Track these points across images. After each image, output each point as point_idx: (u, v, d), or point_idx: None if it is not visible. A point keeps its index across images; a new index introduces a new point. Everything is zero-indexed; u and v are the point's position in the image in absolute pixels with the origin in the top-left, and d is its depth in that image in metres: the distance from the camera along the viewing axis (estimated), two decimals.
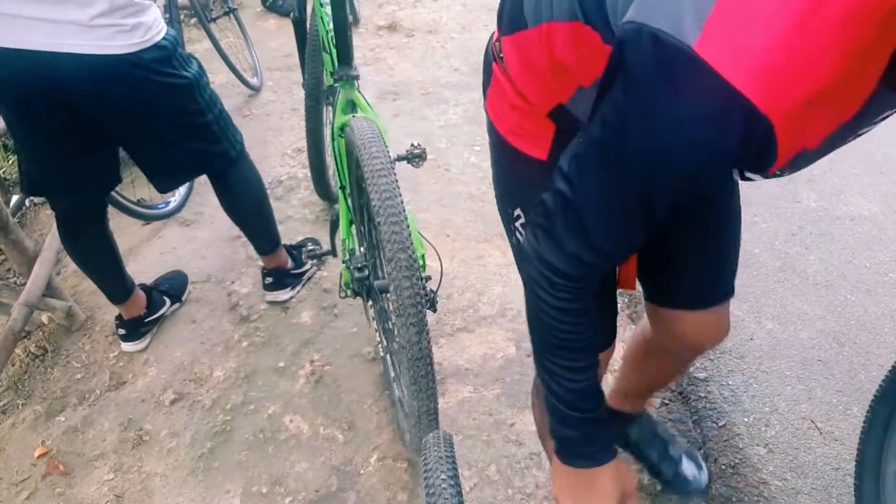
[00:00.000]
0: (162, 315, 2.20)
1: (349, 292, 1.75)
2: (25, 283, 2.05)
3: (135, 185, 2.72)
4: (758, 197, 2.72)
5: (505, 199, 1.15)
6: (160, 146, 1.73)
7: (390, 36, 4.35)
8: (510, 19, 0.94)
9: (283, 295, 2.26)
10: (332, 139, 1.74)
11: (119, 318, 2.11)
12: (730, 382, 1.98)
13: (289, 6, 4.48)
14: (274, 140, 3.19)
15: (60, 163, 1.68)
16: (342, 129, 1.60)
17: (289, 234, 2.56)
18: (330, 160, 2.25)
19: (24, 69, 1.43)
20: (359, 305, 2.14)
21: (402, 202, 1.34)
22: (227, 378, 2.03)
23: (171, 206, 2.61)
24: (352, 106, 1.73)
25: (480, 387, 1.96)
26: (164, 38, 1.56)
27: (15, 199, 2.71)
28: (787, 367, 2.01)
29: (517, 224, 1.10)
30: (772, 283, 2.30)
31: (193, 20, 4.10)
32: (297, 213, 2.68)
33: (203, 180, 2.82)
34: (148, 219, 2.58)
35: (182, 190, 2.69)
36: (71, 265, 2.50)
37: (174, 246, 2.54)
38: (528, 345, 2.08)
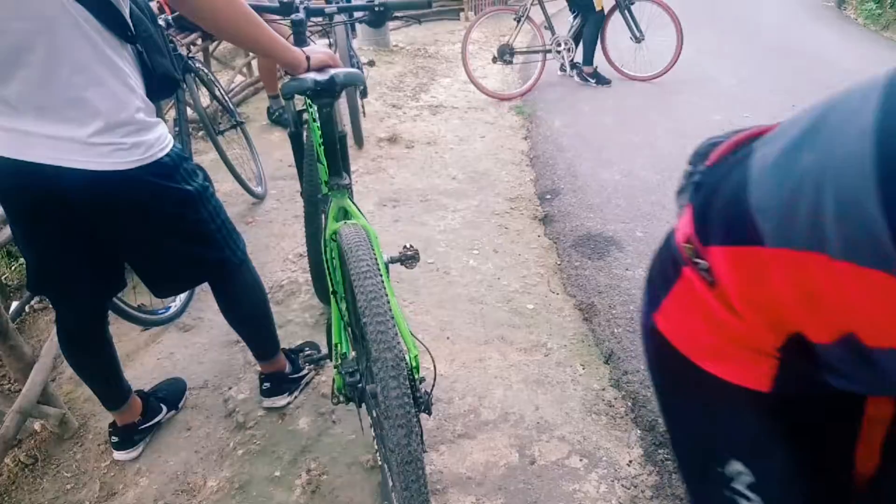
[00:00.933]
0: (157, 422, 2.15)
1: (342, 398, 1.71)
2: (20, 389, 2.02)
3: (136, 291, 2.75)
4: None
5: (705, 450, 0.86)
6: (159, 255, 1.74)
7: (391, 147, 4.53)
8: (727, 227, 0.76)
9: (280, 401, 2.22)
10: (325, 245, 1.76)
11: (113, 425, 2.06)
12: None
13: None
14: (276, 245, 3.25)
15: (64, 268, 1.70)
16: (334, 235, 1.63)
17: (289, 337, 2.55)
18: None
19: (30, 180, 1.47)
20: (354, 415, 2.11)
21: (389, 303, 1.35)
22: (221, 489, 1.96)
23: (172, 311, 2.62)
24: (343, 213, 1.77)
25: (483, 497, 1.90)
26: (166, 155, 1.58)
27: (15, 304, 2.72)
28: None
29: (738, 486, 0.80)
30: None
31: (202, 132, 4.28)
32: (297, 317, 2.69)
33: (203, 286, 2.85)
34: (148, 325, 2.58)
35: (183, 295, 2.71)
36: (67, 371, 2.48)
37: (172, 351, 2.53)
38: (530, 451, 2.04)
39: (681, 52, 5.95)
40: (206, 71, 3.47)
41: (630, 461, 2.01)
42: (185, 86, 3.14)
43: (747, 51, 7.36)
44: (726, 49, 7.46)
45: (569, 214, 3.59)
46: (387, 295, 1.37)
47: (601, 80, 5.99)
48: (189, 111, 3.35)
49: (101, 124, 1.44)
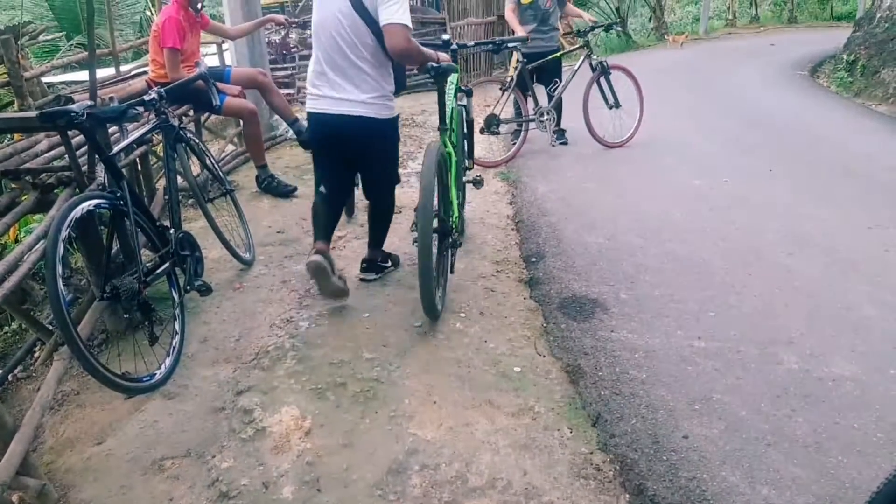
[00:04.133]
0: None
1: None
2: None
3: (121, 358, 2.74)
4: (738, 360, 2.77)
5: None
6: (375, 170, 3.28)
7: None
8: None
9: (370, 276, 3.53)
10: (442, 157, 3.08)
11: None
12: None
13: (282, 188, 4.77)
14: (263, 311, 3.25)
15: (332, 172, 3.24)
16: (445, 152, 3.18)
17: (273, 404, 2.53)
18: None
19: (333, 124, 3.01)
20: (341, 474, 2.09)
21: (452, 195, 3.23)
22: None
23: (157, 378, 2.60)
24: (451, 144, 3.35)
25: None
26: (396, 118, 3.15)
27: None
28: None
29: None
30: (762, 446, 2.27)
31: (192, 200, 4.34)
32: (282, 384, 2.67)
33: (189, 352, 2.85)
34: (132, 392, 2.55)
35: (168, 362, 2.69)
36: (49, 441, 2.45)
37: (156, 419, 2.49)
38: None
39: (642, 117, 6.23)
40: (196, 140, 3.55)
41: None
42: (175, 155, 3.20)
43: (725, 118, 7.62)
44: (705, 117, 7.73)
45: (554, 277, 3.64)
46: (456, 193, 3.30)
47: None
48: (179, 179, 3.41)
49: (375, 94, 2.98)
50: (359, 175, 3.52)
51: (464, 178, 3.92)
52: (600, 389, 2.64)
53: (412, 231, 3.51)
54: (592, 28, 6.19)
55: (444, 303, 3.21)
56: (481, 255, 3.94)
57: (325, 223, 3.25)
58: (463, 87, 3.87)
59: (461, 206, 3.75)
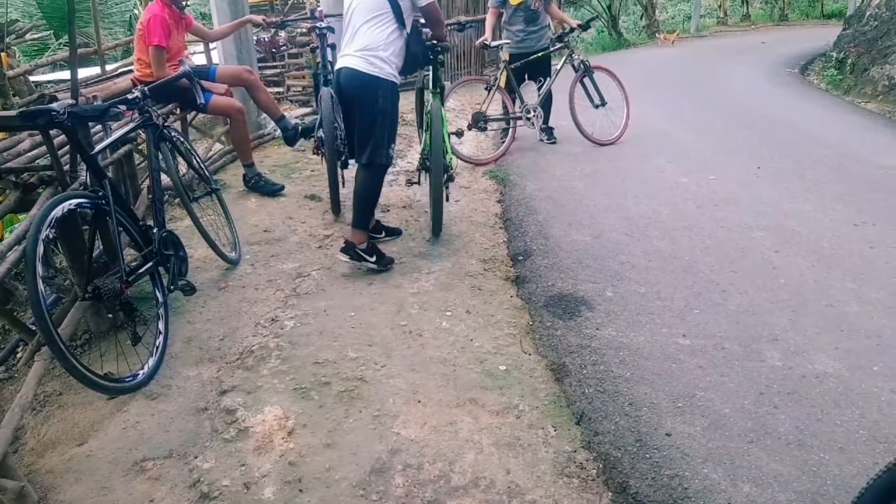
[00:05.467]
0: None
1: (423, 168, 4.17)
2: None
3: (102, 359, 2.72)
4: (721, 357, 2.77)
5: None
6: (365, 129, 3.52)
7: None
8: None
9: (343, 257, 3.61)
10: (425, 110, 4.19)
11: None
12: None
13: (269, 187, 4.75)
14: (248, 311, 3.24)
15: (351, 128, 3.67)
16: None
17: (256, 404, 2.52)
18: None
19: (352, 80, 3.47)
20: (323, 474, 2.08)
21: (443, 137, 3.90)
22: None
23: (140, 378, 2.58)
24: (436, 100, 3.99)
25: None
26: (397, 83, 3.56)
27: None
28: None
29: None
30: (745, 443, 2.27)
31: (177, 199, 4.31)
32: (266, 384, 2.66)
33: (173, 352, 2.83)
34: (114, 392, 2.53)
35: (151, 362, 2.67)
36: (30, 442, 2.43)
37: (138, 420, 2.48)
38: None
39: (630, 114, 6.29)
40: (182, 140, 3.53)
41: None
42: (159, 153, 3.18)
43: (714, 116, 7.63)
44: (694, 114, 7.74)
45: (541, 275, 3.64)
46: (444, 138, 3.89)
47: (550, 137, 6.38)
48: (164, 178, 3.39)
49: (390, 60, 3.48)
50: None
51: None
52: (585, 387, 2.64)
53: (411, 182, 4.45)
54: (571, 30, 6.21)
55: (441, 226, 4.09)
56: (468, 253, 3.93)
57: None
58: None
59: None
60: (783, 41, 14.59)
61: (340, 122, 4.09)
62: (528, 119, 6.07)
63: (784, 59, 11.85)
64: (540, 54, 6.09)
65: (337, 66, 3.60)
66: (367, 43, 3.43)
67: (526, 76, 6.22)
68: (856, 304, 3.15)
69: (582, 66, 6.06)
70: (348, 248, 3.59)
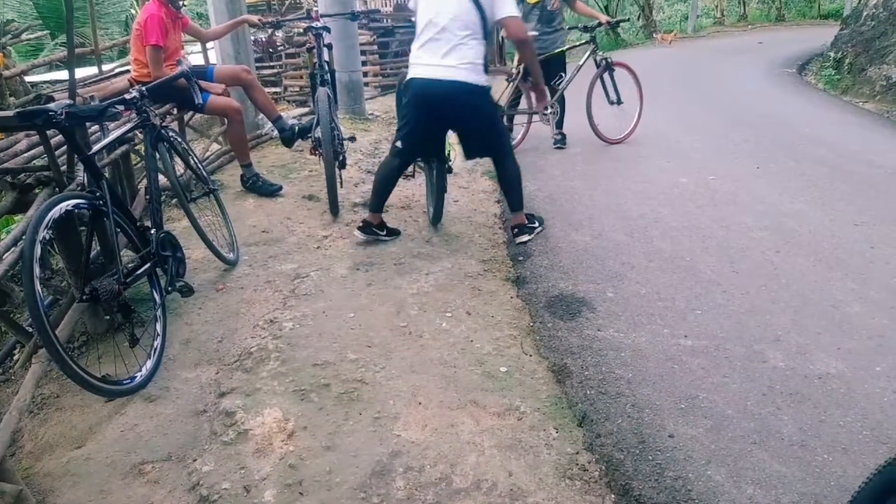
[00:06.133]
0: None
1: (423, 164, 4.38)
2: None
3: (100, 361, 2.70)
4: (724, 358, 2.76)
5: None
6: (473, 133, 3.85)
7: (365, 212, 4.56)
8: None
9: (524, 238, 4.02)
10: None
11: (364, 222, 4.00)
12: None
13: (267, 187, 4.73)
14: (246, 312, 3.22)
15: (426, 135, 3.84)
16: None
17: (255, 406, 2.50)
18: None
19: (432, 88, 3.57)
20: (324, 477, 2.06)
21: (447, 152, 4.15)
22: None
23: (138, 380, 2.56)
24: None
25: None
26: (487, 87, 3.66)
27: None
28: None
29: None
30: (748, 445, 2.26)
31: (175, 200, 4.29)
32: (265, 386, 2.64)
33: (171, 354, 2.81)
34: (112, 395, 2.51)
35: (149, 364, 2.65)
36: (28, 445, 2.41)
37: (136, 423, 2.46)
38: None
39: (641, 113, 6.30)
40: (179, 140, 3.50)
41: None
42: (156, 154, 3.16)
43: (712, 116, 7.63)
44: (693, 114, 7.74)
45: (541, 276, 3.62)
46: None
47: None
48: (162, 179, 3.37)
49: (468, 65, 3.52)
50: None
51: None
52: (586, 389, 2.63)
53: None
54: (598, 25, 6.16)
55: (441, 214, 4.30)
56: (468, 254, 3.92)
57: None
58: None
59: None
60: (780, 41, 14.62)
61: (338, 122, 4.06)
62: (545, 115, 6.07)
63: (782, 60, 11.86)
64: (556, 51, 6.10)
65: (428, 76, 3.56)
66: (468, 57, 3.52)
67: None
68: (857, 305, 3.14)
69: (604, 62, 6.07)
70: (522, 230, 4.06)
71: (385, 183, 3.98)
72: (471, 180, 5.44)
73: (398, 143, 3.85)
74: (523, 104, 6.17)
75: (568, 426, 2.43)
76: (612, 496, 2.11)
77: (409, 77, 3.67)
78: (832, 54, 10.13)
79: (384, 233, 4.01)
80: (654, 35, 17.11)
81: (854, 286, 3.32)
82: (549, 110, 6.06)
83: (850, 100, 8.62)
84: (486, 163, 5.96)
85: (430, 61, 3.54)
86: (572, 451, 2.29)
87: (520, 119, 6.33)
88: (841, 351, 2.79)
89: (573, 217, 4.47)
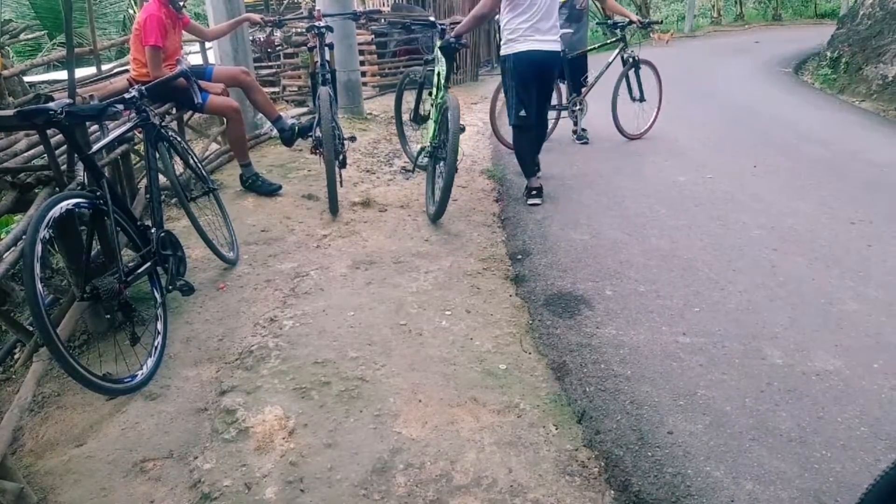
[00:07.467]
0: None
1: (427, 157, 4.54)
2: None
3: (101, 359, 2.71)
4: (722, 355, 2.77)
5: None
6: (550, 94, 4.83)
7: (365, 211, 4.58)
8: None
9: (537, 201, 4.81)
10: (437, 102, 4.41)
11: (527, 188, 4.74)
12: None
13: (266, 186, 4.74)
14: (247, 311, 3.22)
15: (543, 98, 4.64)
16: (443, 100, 4.26)
17: (256, 404, 2.51)
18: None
19: (543, 58, 4.35)
20: (325, 474, 2.07)
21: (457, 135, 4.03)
22: None
23: (139, 379, 2.57)
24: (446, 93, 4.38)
25: None
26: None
27: None
28: None
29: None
30: (747, 441, 2.27)
31: (175, 199, 4.29)
32: (266, 384, 2.65)
33: (172, 352, 2.82)
34: (113, 393, 2.52)
35: (150, 362, 2.66)
36: (28, 443, 2.41)
37: (137, 421, 2.46)
38: None
39: (660, 110, 6.51)
40: (179, 139, 3.51)
41: None
42: (156, 153, 3.17)
43: (709, 114, 7.65)
44: (690, 113, 7.76)
45: (539, 274, 3.63)
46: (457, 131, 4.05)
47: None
48: (161, 178, 3.37)
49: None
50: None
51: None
52: (585, 386, 2.64)
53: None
54: (629, 23, 6.18)
55: (443, 212, 4.32)
56: (467, 252, 3.93)
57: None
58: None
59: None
60: (777, 41, 14.65)
61: (338, 122, 4.08)
62: (573, 112, 6.14)
63: (778, 59, 11.90)
64: (587, 50, 6.22)
65: (545, 49, 4.32)
66: (558, 32, 4.45)
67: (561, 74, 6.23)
68: (854, 302, 3.16)
69: (631, 59, 6.15)
70: (539, 192, 4.86)
71: (533, 155, 4.83)
72: (469, 179, 5.44)
73: (522, 114, 4.49)
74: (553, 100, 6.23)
75: (567, 423, 2.44)
76: (612, 492, 2.12)
77: (524, 49, 4.30)
78: (829, 53, 10.16)
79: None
80: (652, 35, 17.13)
81: (851, 284, 3.34)
82: (578, 107, 6.16)
83: (846, 99, 8.65)
84: (486, 162, 5.98)
85: (543, 37, 4.29)
86: (572, 448, 2.30)
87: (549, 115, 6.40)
88: (838, 348, 2.80)
89: (571, 215, 4.48)
